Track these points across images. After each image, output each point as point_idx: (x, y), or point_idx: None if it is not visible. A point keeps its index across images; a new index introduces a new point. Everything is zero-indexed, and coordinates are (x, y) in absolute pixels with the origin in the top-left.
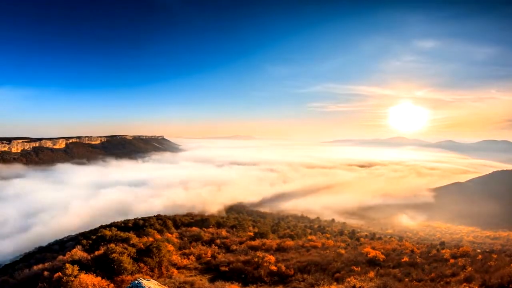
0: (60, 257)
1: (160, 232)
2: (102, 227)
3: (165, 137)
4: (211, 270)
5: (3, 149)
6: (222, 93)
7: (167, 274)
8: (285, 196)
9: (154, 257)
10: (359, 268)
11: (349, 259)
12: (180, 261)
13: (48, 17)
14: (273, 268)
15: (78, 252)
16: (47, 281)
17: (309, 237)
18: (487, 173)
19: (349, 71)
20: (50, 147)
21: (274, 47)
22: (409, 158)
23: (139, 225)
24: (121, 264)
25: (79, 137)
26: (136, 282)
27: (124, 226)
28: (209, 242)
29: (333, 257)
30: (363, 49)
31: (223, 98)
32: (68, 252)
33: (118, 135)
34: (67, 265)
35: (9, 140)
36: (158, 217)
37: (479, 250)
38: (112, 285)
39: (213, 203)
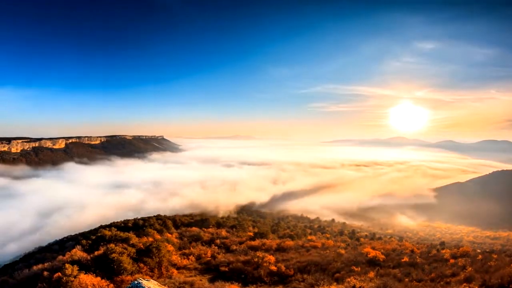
0: (60, 257)
1: (160, 232)
2: (101, 227)
3: (165, 137)
4: (211, 270)
5: (2, 149)
6: (222, 94)
7: (167, 274)
8: (289, 195)
9: (154, 257)
10: (359, 268)
11: (349, 259)
12: (180, 261)
13: (47, 17)
14: (273, 268)
15: (77, 252)
16: (46, 281)
17: (309, 237)
18: (487, 173)
19: (349, 72)
20: (49, 147)
21: (275, 48)
22: (409, 158)
23: (139, 225)
24: (121, 264)
25: (79, 137)
26: (136, 282)
27: (124, 226)
28: (209, 242)
29: (333, 257)
30: (363, 50)
31: (223, 98)
32: (68, 252)
33: (118, 135)
34: (67, 265)
35: (8, 140)
36: (158, 217)
37: (479, 250)
38: (111, 285)
39: (229, 203)
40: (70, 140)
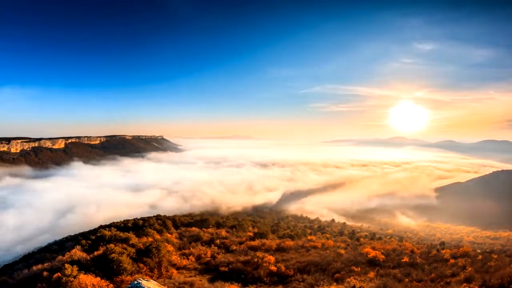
0: (60, 257)
1: (160, 232)
2: (101, 227)
3: (164, 137)
4: (211, 270)
5: (2, 149)
6: (221, 94)
7: (167, 274)
8: (303, 194)
9: (153, 257)
10: (359, 269)
11: (349, 259)
12: (179, 261)
13: (47, 17)
14: (273, 268)
15: (77, 252)
16: (46, 282)
17: (309, 237)
18: (487, 173)
19: (349, 72)
20: (49, 147)
21: (275, 48)
22: (409, 158)
23: (139, 225)
24: (121, 264)
25: (79, 137)
26: (136, 282)
27: (123, 226)
28: (209, 243)
29: (333, 257)
30: (363, 50)
31: (222, 98)
32: (68, 252)
33: (118, 135)
34: (66, 265)
35: (8, 140)
36: (157, 217)
37: (479, 250)
38: (111, 285)
39: (248, 203)
40: (70, 140)
